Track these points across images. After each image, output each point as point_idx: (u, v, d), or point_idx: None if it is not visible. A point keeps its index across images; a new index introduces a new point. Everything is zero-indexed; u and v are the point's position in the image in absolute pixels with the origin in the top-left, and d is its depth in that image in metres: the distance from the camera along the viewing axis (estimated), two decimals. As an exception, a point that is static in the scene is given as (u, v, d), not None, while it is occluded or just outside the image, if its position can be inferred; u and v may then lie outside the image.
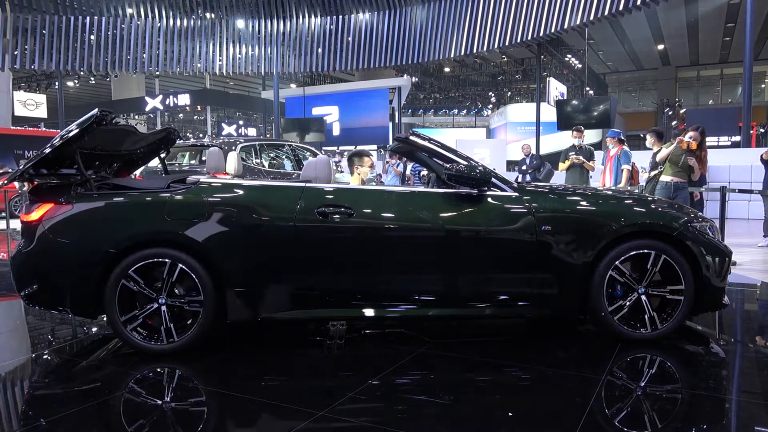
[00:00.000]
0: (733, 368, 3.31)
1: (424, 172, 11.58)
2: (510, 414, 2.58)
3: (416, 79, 32.33)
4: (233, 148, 7.96)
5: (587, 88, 27.37)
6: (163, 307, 3.30)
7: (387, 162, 12.12)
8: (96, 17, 18.93)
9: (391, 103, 24.30)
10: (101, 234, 3.31)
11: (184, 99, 30.76)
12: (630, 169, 7.91)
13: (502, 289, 3.41)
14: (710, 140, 16.41)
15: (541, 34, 15.91)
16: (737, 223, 11.30)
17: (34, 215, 3.37)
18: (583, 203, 3.57)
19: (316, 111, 24.04)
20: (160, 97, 30.92)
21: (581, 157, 8.44)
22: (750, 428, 2.48)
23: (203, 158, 8.16)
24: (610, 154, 8.16)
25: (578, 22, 14.81)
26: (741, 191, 8.54)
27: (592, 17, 14.45)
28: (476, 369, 3.17)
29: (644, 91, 36.94)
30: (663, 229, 3.41)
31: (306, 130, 20.98)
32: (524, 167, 11.79)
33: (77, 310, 3.43)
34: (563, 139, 18.61)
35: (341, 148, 23.43)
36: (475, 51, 18.11)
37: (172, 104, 30.85)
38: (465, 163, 3.47)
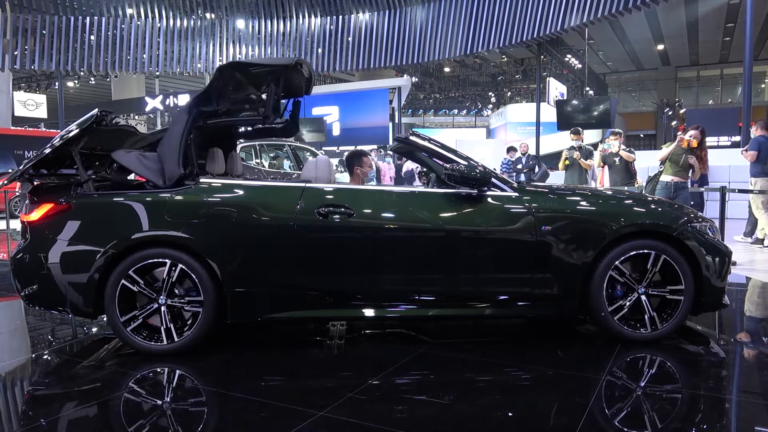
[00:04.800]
0: (733, 368, 3.31)
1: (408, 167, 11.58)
2: (510, 414, 2.58)
3: (416, 79, 32.30)
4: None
5: (587, 89, 27.36)
6: (163, 308, 3.31)
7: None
8: (96, 17, 18.93)
9: (391, 103, 24.28)
10: (101, 234, 3.31)
11: (184, 99, 30.64)
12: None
13: (502, 289, 3.41)
14: (710, 140, 16.40)
15: (541, 34, 15.91)
16: (737, 223, 11.28)
17: (35, 215, 3.38)
18: (583, 203, 3.57)
19: (316, 111, 24.01)
20: (160, 97, 30.85)
21: (577, 152, 8.38)
22: (750, 428, 2.48)
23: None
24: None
25: (578, 22, 14.81)
26: (741, 191, 8.52)
27: (592, 17, 14.45)
28: (476, 369, 3.17)
29: (644, 91, 36.91)
30: (663, 229, 3.41)
31: (306, 130, 20.96)
32: (519, 166, 11.76)
33: (77, 311, 3.43)
34: (563, 140, 18.61)
35: (341, 148, 23.42)
36: (475, 51, 18.11)
37: (172, 104, 30.74)
38: (465, 163, 3.47)
